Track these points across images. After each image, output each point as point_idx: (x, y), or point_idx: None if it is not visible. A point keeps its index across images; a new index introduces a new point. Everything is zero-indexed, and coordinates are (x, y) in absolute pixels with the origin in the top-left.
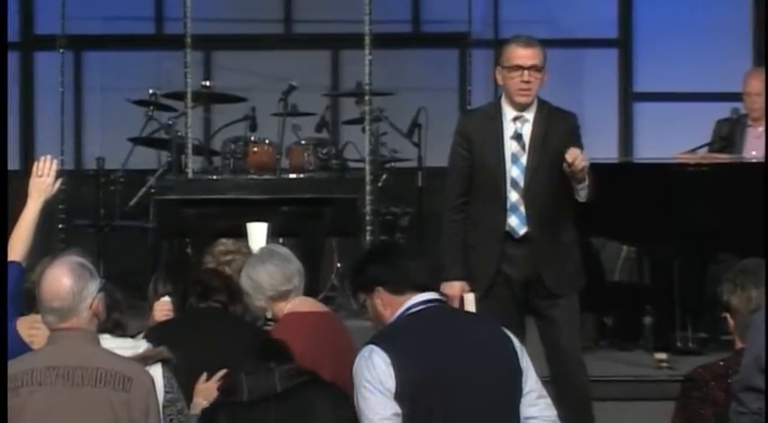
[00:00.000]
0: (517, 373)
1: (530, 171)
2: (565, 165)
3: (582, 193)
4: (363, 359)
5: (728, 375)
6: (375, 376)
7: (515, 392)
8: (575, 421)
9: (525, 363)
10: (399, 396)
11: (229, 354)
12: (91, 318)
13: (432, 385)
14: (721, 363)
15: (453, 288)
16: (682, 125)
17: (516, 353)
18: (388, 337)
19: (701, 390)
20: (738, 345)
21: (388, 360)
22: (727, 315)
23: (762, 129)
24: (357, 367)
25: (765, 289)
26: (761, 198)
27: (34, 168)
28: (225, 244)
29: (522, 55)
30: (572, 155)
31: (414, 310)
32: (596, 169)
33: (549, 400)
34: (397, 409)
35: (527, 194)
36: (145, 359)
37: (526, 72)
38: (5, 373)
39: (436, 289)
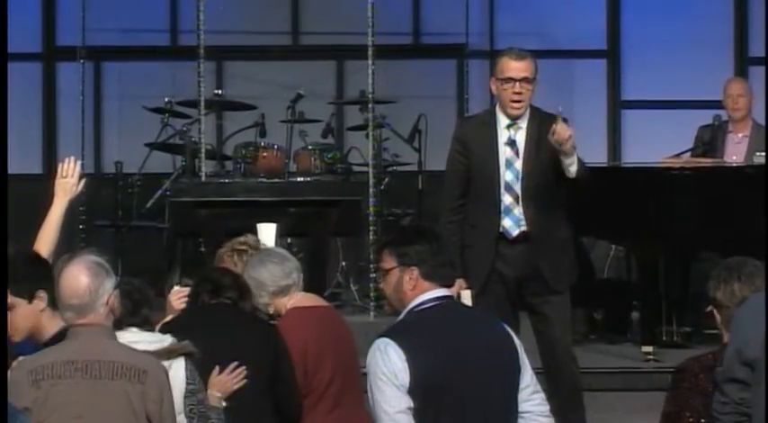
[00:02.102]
0: (517, 368)
1: (523, 175)
2: (551, 137)
3: (571, 169)
4: (379, 352)
5: (716, 367)
6: (390, 370)
7: (515, 387)
8: (566, 411)
9: (523, 359)
10: (412, 391)
11: (240, 347)
12: (107, 313)
13: (443, 382)
14: (710, 355)
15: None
16: (667, 131)
17: (516, 349)
18: (403, 333)
19: (689, 380)
20: (726, 338)
21: (404, 356)
22: (714, 310)
23: (741, 134)
24: (372, 359)
25: (765, 286)
26: (761, 198)
27: (59, 170)
28: (246, 237)
29: (514, 68)
30: (555, 129)
31: (427, 305)
32: None
33: (543, 395)
34: (410, 402)
35: (520, 198)
36: (170, 352)
37: (518, 84)
38: (5, 373)
39: None
